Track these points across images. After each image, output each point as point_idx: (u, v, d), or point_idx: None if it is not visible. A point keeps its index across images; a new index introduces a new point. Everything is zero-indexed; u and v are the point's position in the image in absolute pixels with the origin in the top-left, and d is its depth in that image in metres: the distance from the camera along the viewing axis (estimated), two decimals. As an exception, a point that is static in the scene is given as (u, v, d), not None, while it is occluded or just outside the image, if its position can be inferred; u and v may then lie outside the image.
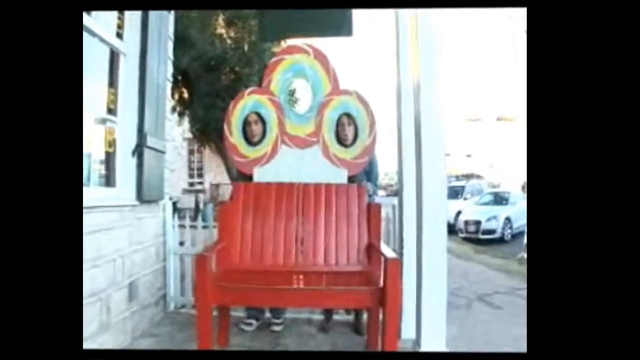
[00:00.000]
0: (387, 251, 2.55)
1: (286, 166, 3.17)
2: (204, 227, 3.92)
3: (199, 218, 3.94)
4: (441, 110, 2.45)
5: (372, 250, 2.85)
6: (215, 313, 2.64)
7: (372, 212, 2.96)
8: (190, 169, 21.30)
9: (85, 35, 2.68)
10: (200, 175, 21.17)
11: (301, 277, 2.71)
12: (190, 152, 20.94)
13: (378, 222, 2.98)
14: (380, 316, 2.46)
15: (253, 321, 3.37)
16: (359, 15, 3.50)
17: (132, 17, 3.28)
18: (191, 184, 20.87)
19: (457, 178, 22.13)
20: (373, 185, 3.44)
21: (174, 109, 12.22)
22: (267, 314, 3.48)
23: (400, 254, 3.05)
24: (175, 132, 16.86)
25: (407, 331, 2.92)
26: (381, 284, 2.36)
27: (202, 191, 19.68)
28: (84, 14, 2.61)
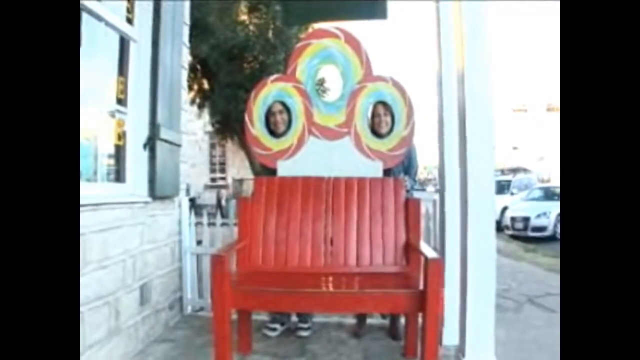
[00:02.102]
0: (428, 250, 2.51)
1: (314, 159, 3.16)
2: (223, 224, 3.94)
3: (217, 215, 3.96)
4: (489, 98, 2.39)
5: (410, 249, 2.82)
6: (235, 317, 2.65)
7: (410, 208, 2.93)
8: (212, 163, 21.58)
9: (90, 19, 2.72)
10: (223, 170, 21.44)
11: (330, 279, 2.71)
12: (212, 146, 21.21)
13: (417, 219, 2.94)
14: (420, 320, 2.44)
15: (277, 326, 3.38)
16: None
17: (143, 1, 3.29)
18: (213, 180, 21.17)
19: (503, 172, 21.88)
20: (412, 179, 3.40)
21: (193, 101, 12.43)
22: (293, 318, 3.50)
23: (442, 254, 3.02)
24: (196, 125, 17.14)
25: (450, 337, 2.89)
26: (421, 286, 2.34)
27: (225, 187, 19.93)
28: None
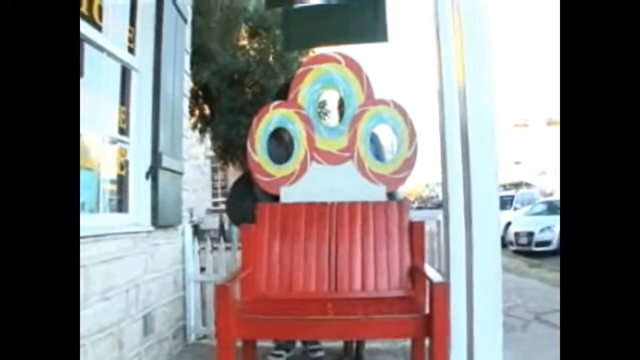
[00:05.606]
0: (433, 274, 2.49)
1: (317, 184, 3.14)
2: (227, 248, 3.92)
3: (221, 239, 3.97)
4: (491, 114, 2.39)
5: (415, 273, 2.80)
6: (239, 344, 2.61)
7: (414, 231, 2.91)
8: (214, 188, 21.64)
9: (93, 50, 2.77)
10: (225, 195, 21.46)
11: (336, 305, 2.68)
12: (214, 170, 21.29)
13: (421, 241, 2.92)
14: (427, 343, 2.41)
15: (283, 352, 3.36)
16: (394, 19, 3.46)
17: (145, 30, 3.35)
18: (215, 204, 21.16)
19: (505, 187, 21.87)
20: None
21: (194, 126, 12.50)
22: (298, 344, 3.47)
23: (447, 274, 2.99)
24: (197, 150, 17.20)
25: (457, 359, 2.85)
26: (427, 310, 2.32)
27: (227, 211, 19.87)
28: (90, 27, 2.68)
